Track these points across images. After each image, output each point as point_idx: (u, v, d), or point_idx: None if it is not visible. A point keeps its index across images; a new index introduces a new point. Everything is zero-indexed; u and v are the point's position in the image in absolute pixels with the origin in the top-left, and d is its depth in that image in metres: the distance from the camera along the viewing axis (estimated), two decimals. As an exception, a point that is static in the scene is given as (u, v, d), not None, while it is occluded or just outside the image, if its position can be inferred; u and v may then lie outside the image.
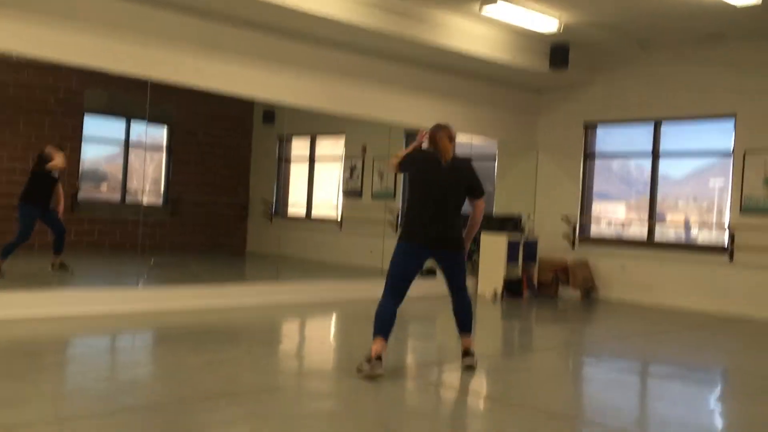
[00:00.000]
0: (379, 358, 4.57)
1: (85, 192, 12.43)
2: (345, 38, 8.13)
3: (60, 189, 8.51)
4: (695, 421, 4.22)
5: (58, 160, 8.22)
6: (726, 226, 9.09)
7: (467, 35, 8.46)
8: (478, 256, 9.93)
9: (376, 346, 4.63)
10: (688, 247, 9.62)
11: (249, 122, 14.40)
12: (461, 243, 4.93)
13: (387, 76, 9.01)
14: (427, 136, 5.04)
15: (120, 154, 12.87)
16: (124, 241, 12.11)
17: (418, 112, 9.38)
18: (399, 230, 4.97)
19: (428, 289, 7.61)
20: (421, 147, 5.14)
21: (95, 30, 6.74)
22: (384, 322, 4.73)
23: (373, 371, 4.53)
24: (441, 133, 4.94)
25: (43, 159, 8.28)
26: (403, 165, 5.10)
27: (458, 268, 4.97)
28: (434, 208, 4.83)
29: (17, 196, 8.38)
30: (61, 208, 8.55)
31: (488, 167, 11.41)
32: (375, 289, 8.50)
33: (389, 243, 10.78)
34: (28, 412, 3.58)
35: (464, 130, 10.41)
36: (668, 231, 10.08)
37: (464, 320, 5.02)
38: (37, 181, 8.28)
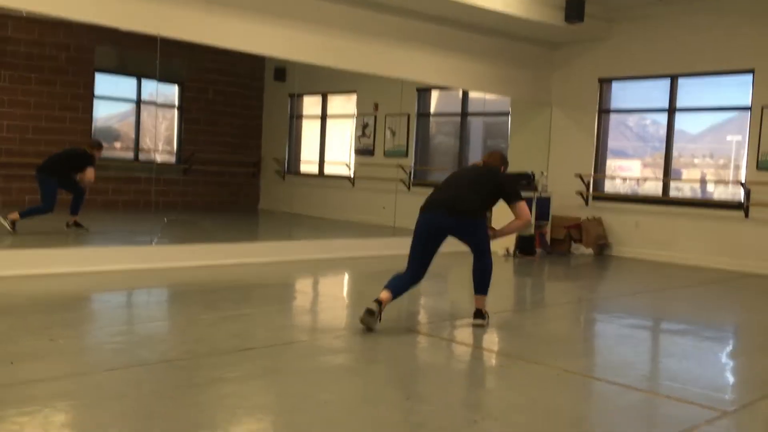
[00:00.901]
0: (379, 302, 4.67)
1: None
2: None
3: (91, 171, 8.48)
4: (705, 376, 4.24)
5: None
6: (742, 182, 8.99)
7: (481, -11, 8.31)
8: (491, 213, 9.90)
9: (382, 294, 4.74)
10: (703, 203, 9.54)
11: (260, 80, 14.32)
12: (476, 212, 4.99)
13: (398, 32, 8.88)
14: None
15: (132, 112, 12.86)
16: (137, 199, 12.18)
17: (430, 69, 9.28)
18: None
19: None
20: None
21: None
22: (397, 280, 4.86)
23: (365, 316, 4.64)
24: (485, 156, 5.48)
25: (97, 145, 8.63)
26: None
27: (476, 236, 5.02)
28: (454, 188, 5.07)
29: (32, 155, 8.42)
30: (87, 181, 8.56)
31: (502, 123, 11.31)
32: (387, 247, 8.57)
33: (401, 199, 10.81)
34: (47, 367, 3.65)
35: (477, 87, 10.31)
36: (684, 187, 10.00)
37: (479, 281, 5.08)
38: (72, 159, 8.38)
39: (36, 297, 5.50)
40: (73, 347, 4.10)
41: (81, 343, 4.27)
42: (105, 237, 9.22)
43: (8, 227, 7.93)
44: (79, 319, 4.91)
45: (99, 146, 8.81)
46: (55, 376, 3.49)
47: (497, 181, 5.15)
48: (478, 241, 5.05)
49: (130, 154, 12.91)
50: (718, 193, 9.70)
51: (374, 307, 4.66)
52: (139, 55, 11.49)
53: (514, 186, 5.25)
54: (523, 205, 5.08)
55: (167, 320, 5.15)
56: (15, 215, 8.02)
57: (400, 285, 4.87)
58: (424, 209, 5.01)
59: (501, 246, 9.71)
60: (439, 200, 5.01)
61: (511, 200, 5.09)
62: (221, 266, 7.26)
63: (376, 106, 12.46)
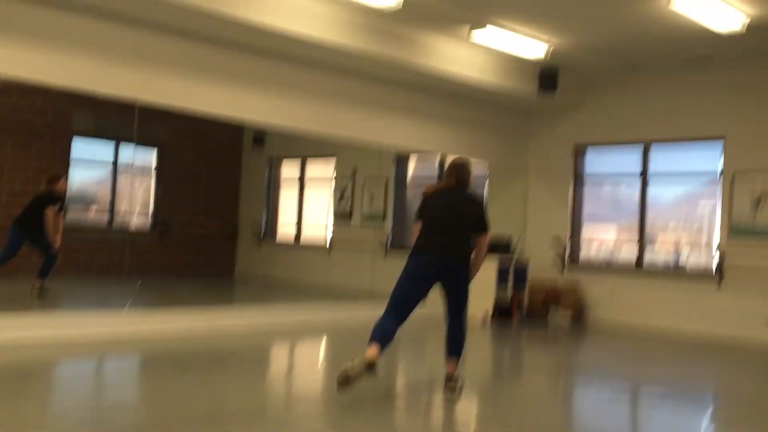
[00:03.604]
0: (371, 365, 4.38)
1: (72, 215, 12.33)
2: (334, 61, 8.14)
3: (59, 218, 8.30)
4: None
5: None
6: (715, 248, 9.08)
7: (456, 59, 8.49)
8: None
9: (370, 351, 4.43)
10: (676, 273, 9.60)
11: (239, 145, 14.38)
12: (468, 259, 4.87)
13: (377, 98, 9.01)
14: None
15: (108, 177, 12.80)
16: (111, 263, 11.99)
17: (409, 135, 9.38)
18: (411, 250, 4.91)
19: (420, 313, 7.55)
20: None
21: (82, 52, 6.70)
22: (383, 332, 4.60)
23: (352, 370, 4.29)
24: (452, 169, 5.08)
25: (53, 179, 8.28)
26: (418, 213, 5.04)
27: (462, 286, 4.87)
28: (443, 229, 4.85)
29: (5, 218, 8.28)
30: (58, 238, 8.36)
31: (478, 187, 11.40)
32: (365, 313, 8.47)
33: (379, 266, 10.76)
34: (7, 438, 3.50)
35: (454, 152, 10.41)
36: (659, 253, 10.08)
37: (456, 343, 4.91)
38: (34, 204, 8.19)
39: (3, 364, 5.31)
40: (37, 418, 3.94)
41: (46, 413, 4.11)
42: (77, 302, 9.03)
43: None
44: (44, 388, 4.75)
45: (56, 179, 8.39)
46: (16, 447, 3.34)
47: (479, 212, 4.97)
48: (464, 294, 4.90)
49: (105, 219, 12.79)
50: (692, 259, 9.78)
51: (361, 368, 4.32)
52: (118, 119, 11.51)
53: (486, 217, 5.03)
54: (487, 237, 5.00)
55: (137, 387, 5.00)
56: None
57: (390, 331, 4.62)
58: (422, 251, 4.80)
59: (479, 312, 9.66)
60: (440, 243, 4.78)
61: (484, 231, 4.95)
62: (194, 331, 7.11)
63: (354, 172, 12.53)
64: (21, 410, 3.99)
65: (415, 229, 4.97)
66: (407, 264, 4.82)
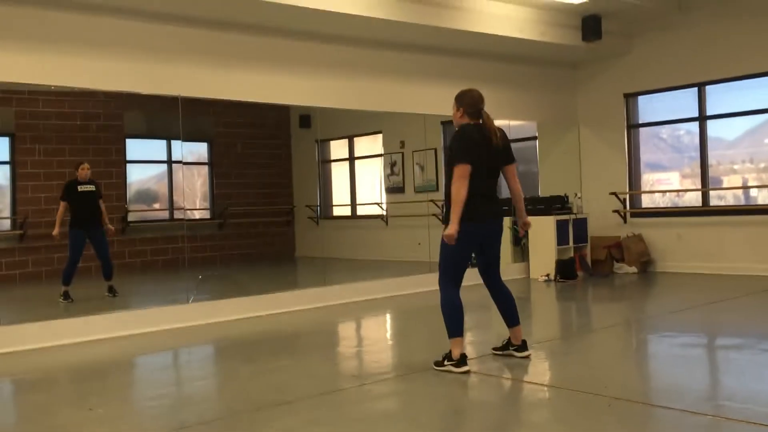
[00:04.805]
0: (464, 356, 4.55)
1: (134, 213, 12.65)
2: (372, 35, 8.06)
3: (62, 206, 8.29)
4: (766, 393, 4.01)
5: (84, 169, 8.30)
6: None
7: (494, 17, 8.30)
8: (527, 240, 9.75)
9: (460, 347, 4.56)
10: (746, 210, 9.24)
11: (286, 129, 14.46)
12: None
13: (418, 68, 8.90)
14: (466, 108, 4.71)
15: (164, 174, 13.06)
16: (175, 257, 12.28)
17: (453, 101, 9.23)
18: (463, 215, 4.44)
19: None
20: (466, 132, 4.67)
21: (124, 55, 6.83)
22: (460, 319, 4.60)
23: (465, 369, 4.52)
24: (484, 110, 4.69)
25: (77, 166, 8.44)
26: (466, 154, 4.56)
27: (499, 244, 4.81)
28: (492, 185, 4.66)
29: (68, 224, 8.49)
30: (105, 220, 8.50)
31: (530, 148, 11.19)
32: (424, 283, 8.45)
33: (435, 234, 10.68)
34: (86, 438, 3.61)
35: (501, 114, 10.23)
36: (726, 195, 9.72)
37: (515, 312, 4.86)
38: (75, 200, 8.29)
39: (73, 366, 5.50)
40: (110, 415, 4.05)
41: (119, 410, 4.23)
42: (142, 298, 9.28)
43: (62, 300, 8.06)
44: (116, 386, 4.89)
45: (78, 165, 8.39)
46: (94, 447, 3.45)
47: (509, 148, 4.72)
48: (498, 251, 4.82)
49: (166, 214, 13.07)
50: (762, 197, 9.40)
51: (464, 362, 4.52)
52: (167, 117, 11.70)
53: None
54: None
55: (205, 379, 5.10)
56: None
57: (463, 316, 4.61)
58: (476, 218, 4.50)
59: (541, 272, 9.53)
60: (492, 209, 4.62)
61: (514, 160, 4.73)
62: (259, 318, 7.22)
63: (402, 144, 12.46)
64: (94, 411, 4.11)
65: (463, 173, 4.43)
66: (467, 233, 4.46)
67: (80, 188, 8.27)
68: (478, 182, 4.49)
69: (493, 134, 4.61)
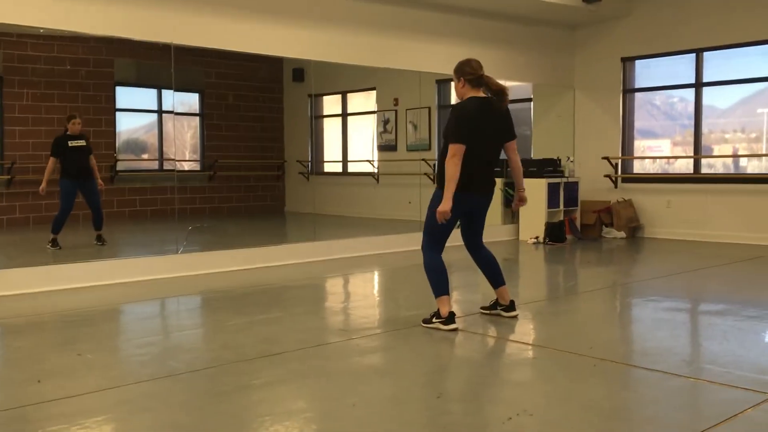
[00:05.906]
0: (452, 314, 4.62)
1: (123, 163, 12.56)
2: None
3: (50, 162, 8.14)
4: (748, 358, 4.08)
5: (75, 124, 8.15)
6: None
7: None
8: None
9: (448, 305, 4.63)
10: (736, 178, 9.28)
11: (279, 82, 14.30)
12: None
13: (414, 24, 8.78)
14: (468, 78, 4.59)
15: (154, 124, 12.92)
16: (164, 208, 12.24)
17: (449, 59, 9.08)
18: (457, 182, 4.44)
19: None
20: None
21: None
22: (445, 279, 4.67)
23: (453, 327, 4.60)
24: (486, 74, 4.60)
25: (69, 118, 8.26)
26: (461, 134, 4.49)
27: (486, 211, 4.86)
28: (488, 159, 4.66)
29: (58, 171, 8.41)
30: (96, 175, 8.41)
31: (524, 109, 11.14)
32: (413, 242, 8.47)
33: (426, 194, 10.68)
34: (74, 384, 3.63)
35: (498, 74, 10.13)
36: (716, 164, 9.75)
37: (498, 270, 4.94)
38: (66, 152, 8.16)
39: (62, 312, 5.51)
40: (100, 362, 4.07)
41: (108, 357, 4.25)
42: (131, 248, 9.26)
43: (50, 247, 8.00)
44: (105, 333, 4.90)
45: (70, 118, 8.20)
46: (83, 392, 3.46)
47: (511, 125, 4.72)
48: (484, 219, 4.89)
49: (155, 164, 12.98)
50: (751, 167, 9.43)
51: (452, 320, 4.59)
52: (158, 66, 11.53)
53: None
54: None
55: (194, 329, 5.12)
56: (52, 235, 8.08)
57: (447, 276, 4.69)
58: (470, 188, 4.51)
59: (530, 234, 9.58)
60: (487, 181, 4.66)
61: (515, 137, 4.71)
62: (248, 271, 7.24)
63: (396, 102, 12.37)
64: (83, 357, 4.13)
65: (457, 152, 4.41)
66: (458, 200, 4.44)
67: (71, 143, 8.13)
68: (474, 158, 4.49)
69: (498, 96, 4.55)
